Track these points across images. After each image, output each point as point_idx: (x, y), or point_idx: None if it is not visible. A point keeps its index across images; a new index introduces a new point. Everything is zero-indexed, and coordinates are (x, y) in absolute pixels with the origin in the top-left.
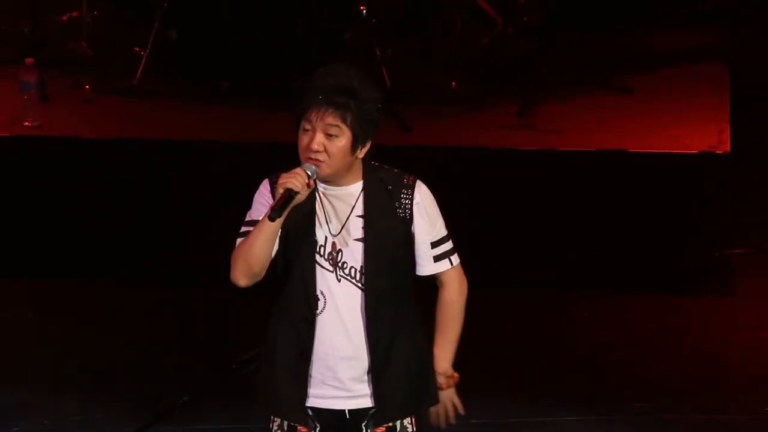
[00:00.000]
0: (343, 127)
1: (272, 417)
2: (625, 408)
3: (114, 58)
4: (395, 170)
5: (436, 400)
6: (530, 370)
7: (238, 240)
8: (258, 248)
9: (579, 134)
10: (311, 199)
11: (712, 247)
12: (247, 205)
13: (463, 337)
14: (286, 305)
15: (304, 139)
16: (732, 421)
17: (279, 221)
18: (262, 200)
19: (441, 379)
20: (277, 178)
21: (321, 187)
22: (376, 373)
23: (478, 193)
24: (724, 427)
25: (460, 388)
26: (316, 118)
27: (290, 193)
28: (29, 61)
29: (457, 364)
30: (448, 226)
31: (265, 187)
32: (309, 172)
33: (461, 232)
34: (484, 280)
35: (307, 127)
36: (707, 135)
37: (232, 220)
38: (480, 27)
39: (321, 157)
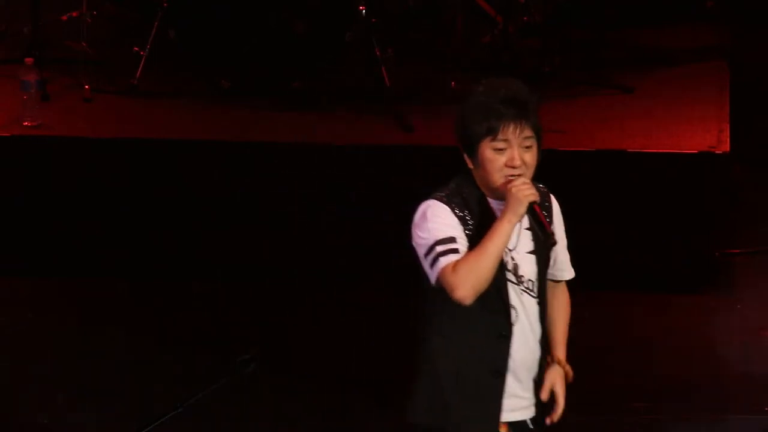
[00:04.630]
0: (534, 136)
1: None
2: (625, 408)
3: (114, 58)
4: None
5: None
6: None
7: (443, 259)
8: (498, 257)
9: (579, 134)
10: (490, 216)
11: (712, 247)
12: (246, 208)
13: None
14: (472, 324)
15: (499, 159)
16: (732, 421)
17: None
18: (446, 220)
19: (567, 368)
20: (443, 198)
21: (494, 203)
22: (541, 378)
23: None
24: (724, 427)
25: None
26: (515, 134)
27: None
28: (29, 61)
29: None
30: None
31: (440, 207)
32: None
33: None
34: None
35: (502, 145)
36: (707, 135)
37: (231, 220)
38: (480, 26)
39: (520, 171)
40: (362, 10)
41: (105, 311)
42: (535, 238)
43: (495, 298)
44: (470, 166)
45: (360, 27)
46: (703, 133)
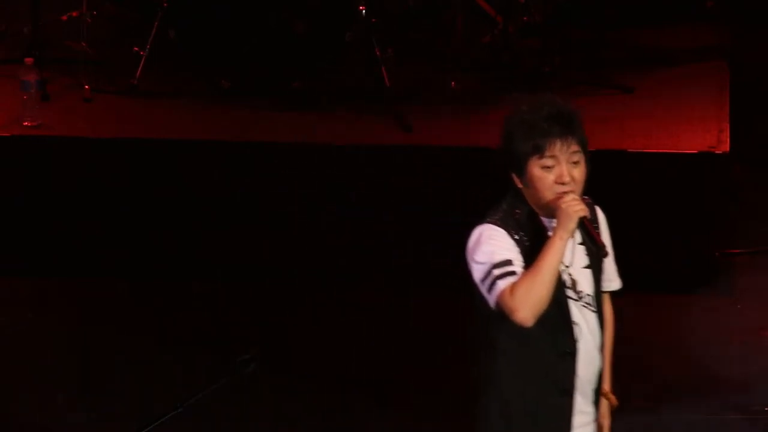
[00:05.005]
0: (581, 150)
1: None
2: (625, 408)
3: (114, 58)
4: None
5: None
6: None
7: (501, 282)
8: (554, 275)
9: None
10: (543, 234)
11: (712, 247)
12: (246, 208)
13: (464, 338)
14: (536, 344)
15: (548, 177)
16: (732, 421)
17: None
18: (502, 243)
19: (612, 399)
20: (498, 222)
21: (546, 221)
22: (599, 387)
23: (478, 193)
24: (724, 427)
25: (456, 388)
26: (562, 151)
27: (583, 220)
28: (29, 61)
29: (456, 365)
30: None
31: (495, 230)
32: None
33: (461, 233)
34: None
35: (550, 163)
36: (707, 135)
37: (231, 220)
38: (480, 26)
39: (570, 187)
40: (362, 10)
41: (105, 311)
42: (589, 253)
43: (557, 316)
44: (519, 185)
45: (360, 27)
46: (703, 133)
